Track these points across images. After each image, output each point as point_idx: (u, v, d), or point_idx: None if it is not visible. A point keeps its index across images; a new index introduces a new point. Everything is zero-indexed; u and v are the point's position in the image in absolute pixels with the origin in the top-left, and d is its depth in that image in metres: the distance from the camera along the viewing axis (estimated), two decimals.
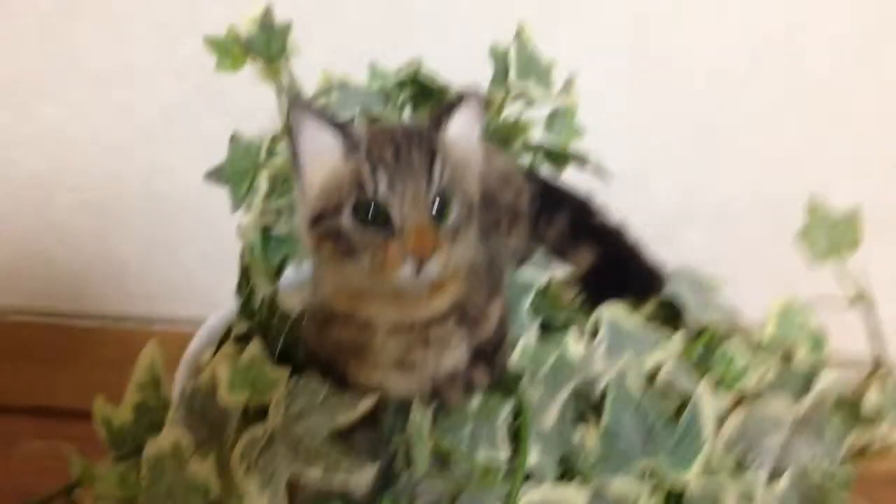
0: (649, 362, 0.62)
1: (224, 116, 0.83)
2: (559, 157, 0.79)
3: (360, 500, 0.51)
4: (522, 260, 0.68)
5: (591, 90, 0.84)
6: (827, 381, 0.58)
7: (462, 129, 0.53)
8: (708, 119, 1.10)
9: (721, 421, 0.59)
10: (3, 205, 1.17)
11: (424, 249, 0.48)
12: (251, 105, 0.74)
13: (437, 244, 0.49)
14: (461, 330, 0.56)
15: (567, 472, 0.57)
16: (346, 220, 0.49)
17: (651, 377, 0.60)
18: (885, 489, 0.67)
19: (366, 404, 0.50)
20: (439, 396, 0.57)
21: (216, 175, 0.72)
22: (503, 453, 0.57)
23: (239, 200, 0.72)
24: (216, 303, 0.80)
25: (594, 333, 0.63)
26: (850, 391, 0.60)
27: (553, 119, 0.80)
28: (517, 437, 0.57)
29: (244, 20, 0.77)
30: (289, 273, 0.71)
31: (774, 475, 0.57)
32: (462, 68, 0.73)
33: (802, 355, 0.60)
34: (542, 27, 0.83)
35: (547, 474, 0.55)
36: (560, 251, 0.69)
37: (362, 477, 0.48)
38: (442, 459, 0.57)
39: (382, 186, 0.49)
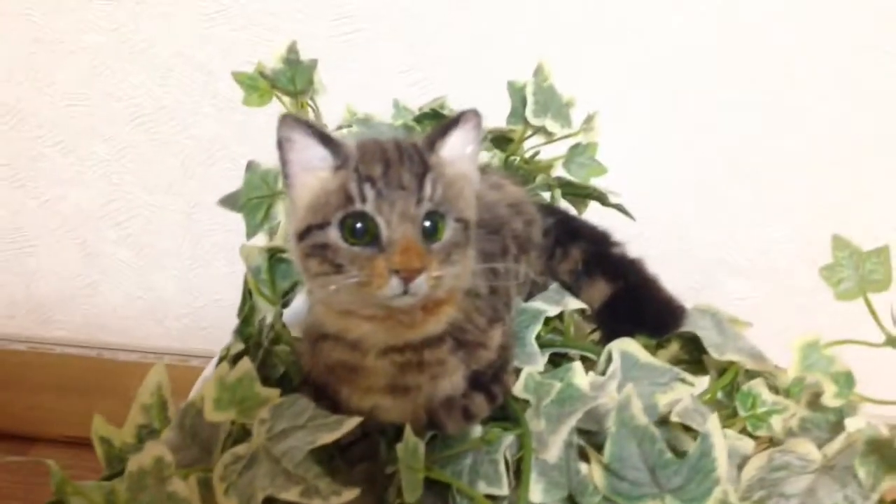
0: (665, 399, 0.59)
1: (261, 153, 0.85)
2: (579, 192, 0.78)
3: None
4: (534, 291, 0.67)
5: (628, 135, 0.84)
6: (857, 424, 0.54)
7: (458, 149, 0.52)
8: (749, 164, 1.07)
9: (742, 463, 0.56)
10: (49, 240, 1.21)
11: (411, 265, 0.47)
12: None
13: (426, 261, 0.48)
14: (457, 355, 0.54)
15: None
16: (333, 233, 0.48)
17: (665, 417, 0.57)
18: None
19: (349, 425, 0.48)
20: (436, 424, 0.55)
21: (229, 202, 0.73)
22: (504, 488, 0.54)
23: (254, 228, 0.73)
24: None
25: (607, 366, 0.61)
26: (885, 433, 0.55)
27: (573, 154, 0.79)
28: (520, 471, 0.55)
29: (272, 58, 0.80)
30: (299, 300, 0.70)
31: None
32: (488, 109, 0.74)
33: (831, 395, 0.55)
34: (580, 71, 0.83)
35: None
36: (575, 283, 0.67)
37: (340, 501, 0.46)
38: (439, 491, 0.55)
39: (370, 200, 0.48)
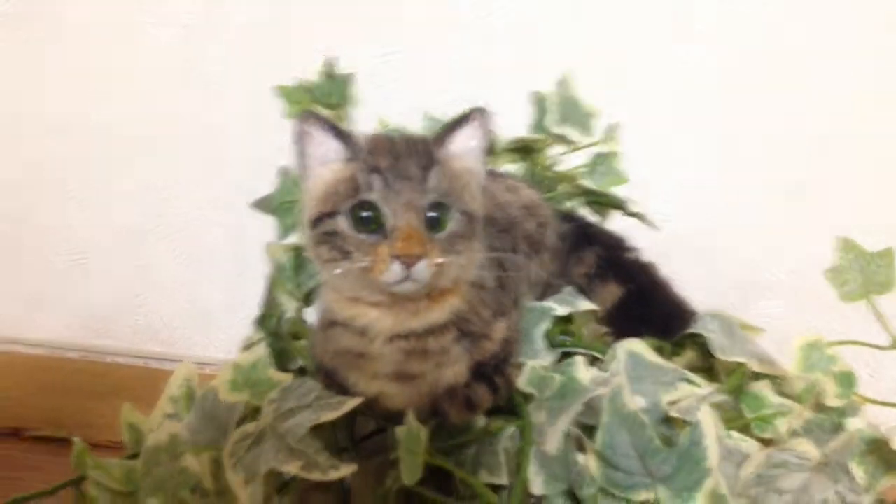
0: (668, 398, 0.59)
1: None
2: (600, 200, 0.79)
3: None
4: (548, 293, 0.68)
5: (662, 155, 0.84)
6: (857, 424, 0.54)
7: (466, 144, 0.55)
8: (782, 183, 1.06)
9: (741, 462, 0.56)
10: (100, 253, 1.27)
11: (412, 251, 0.49)
12: None
13: (427, 248, 0.50)
14: (461, 344, 0.56)
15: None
16: (342, 221, 0.51)
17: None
18: None
19: (351, 404, 0.50)
20: (439, 412, 0.56)
21: (262, 204, 0.76)
22: (504, 478, 0.55)
23: (286, 230, 0.76)
24: None
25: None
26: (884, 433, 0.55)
27: (595, 163, 0.80)
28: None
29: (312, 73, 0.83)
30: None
31: None
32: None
33: (832, 395, 0.55)
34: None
35: None
36: (588, 286, 0.68)
37: (338, 473, 0.48)
38: (442, 480, 0.56)
39: (377, 190, 0.51)
